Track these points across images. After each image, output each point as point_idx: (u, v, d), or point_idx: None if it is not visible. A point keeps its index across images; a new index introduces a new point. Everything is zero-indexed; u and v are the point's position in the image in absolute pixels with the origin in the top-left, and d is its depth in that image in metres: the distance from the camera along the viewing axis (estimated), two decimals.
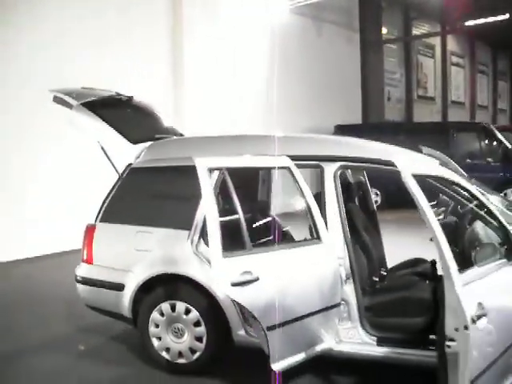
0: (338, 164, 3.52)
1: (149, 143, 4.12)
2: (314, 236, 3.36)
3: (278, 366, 3.06)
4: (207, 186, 2.98)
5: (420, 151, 6.08)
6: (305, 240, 3.57)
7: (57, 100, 4.18)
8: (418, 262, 4.20)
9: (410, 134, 12.38)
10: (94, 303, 4.06)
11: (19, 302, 5.57)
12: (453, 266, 2.49)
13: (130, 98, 4.53)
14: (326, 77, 13.50)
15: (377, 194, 12.60)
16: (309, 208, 3.34)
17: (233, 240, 3.05)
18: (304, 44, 12.77)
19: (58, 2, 7.92)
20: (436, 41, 20.83)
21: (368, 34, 15.59)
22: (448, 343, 2.62)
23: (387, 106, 17.00)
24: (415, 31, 19.23)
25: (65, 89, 4.26)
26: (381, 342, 3.34)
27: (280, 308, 2.95)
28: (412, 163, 3.05)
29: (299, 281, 3.16)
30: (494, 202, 4.01)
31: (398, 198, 12.21)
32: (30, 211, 7.45)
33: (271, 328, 2.96)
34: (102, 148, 4.12)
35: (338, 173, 3.52)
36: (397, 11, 17.86)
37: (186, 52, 9.89)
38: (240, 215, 3.09)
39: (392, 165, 2.98)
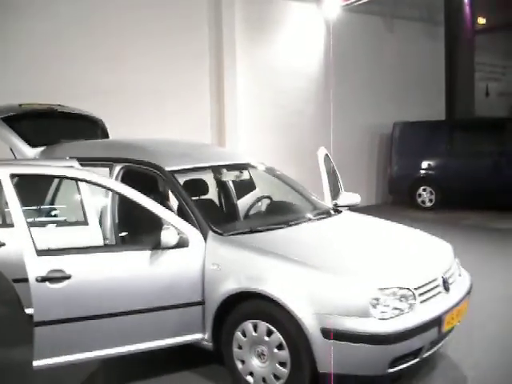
0: (121, 165, 4.31)
1: (44, 147, 5.38)
2: (83, 220, 4.11)
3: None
4: None
5: None
6: (69, 222, 4.40)
7: None
8: None
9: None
10: None
11: None
12: (26, 243, 3.26)
13: (55, 110, 5.81)
14: (399, 74, 13.42)
15: (431, 193, 12.13)
16: (81, 200, 4.15)
17: None
18: (372, 42, 12.89)
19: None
20: None
21: (455, 26, 14.89)
22: None
23: (485, 102, 16.00)
24: None
25: (2, 105, 5.70)
26: None
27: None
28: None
29: None
30: None
31: (459, 198, 11.72)
32: None
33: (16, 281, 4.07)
34: (11, 150, 5.52)
35: (121, 172, 4.32)
36: None
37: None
38: None
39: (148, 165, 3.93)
